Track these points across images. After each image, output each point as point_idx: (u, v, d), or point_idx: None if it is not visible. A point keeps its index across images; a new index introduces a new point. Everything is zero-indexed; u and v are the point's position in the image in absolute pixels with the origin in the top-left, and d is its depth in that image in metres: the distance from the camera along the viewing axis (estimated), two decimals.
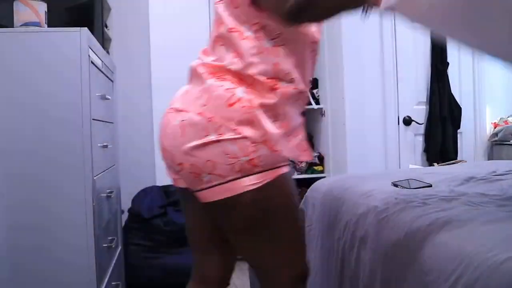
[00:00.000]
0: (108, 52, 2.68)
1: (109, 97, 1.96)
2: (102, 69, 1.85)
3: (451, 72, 3.18)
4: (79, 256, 1.53)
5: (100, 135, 1.76)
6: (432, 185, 1.41)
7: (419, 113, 3.16)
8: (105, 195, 1.80)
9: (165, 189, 2.68)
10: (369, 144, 3.08)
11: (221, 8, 1.08)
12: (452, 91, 3.16)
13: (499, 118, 3.34)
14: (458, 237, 0.91)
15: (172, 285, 2.40)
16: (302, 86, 1.06)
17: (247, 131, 0.97)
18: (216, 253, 1.23)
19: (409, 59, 3.13)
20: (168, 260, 2.39)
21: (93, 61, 1.62)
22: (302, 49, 1.07)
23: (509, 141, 3.15)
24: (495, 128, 3.30)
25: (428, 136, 3.13)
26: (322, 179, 1.78)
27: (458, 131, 3.19)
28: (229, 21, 1.04)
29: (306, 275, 1.11)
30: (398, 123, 3.12)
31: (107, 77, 2.01)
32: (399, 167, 3.09)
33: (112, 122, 2.15)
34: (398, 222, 1.09)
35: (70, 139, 1.52)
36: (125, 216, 2.52)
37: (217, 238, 1.19)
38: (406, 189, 1.37)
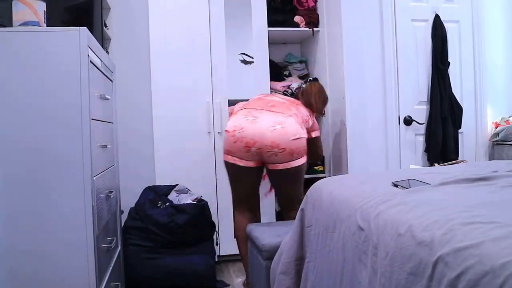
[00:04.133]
0: (107, 52, 2.68)
1: (109, 97, 1.96)
2: (102, 69, 1.84)
3: (452, 71, 3.18)
4: (78, 256, 1.53)
5: (99, 135, 1.76)
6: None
7: (420, 113, 3.15)
8: (104, 195, 1.80)
9: (165, 189, 2.68)
10: (369, 144, 3.08)
11: None
12: (453, 91, 3.15)
13: (500, 118, 3.33)
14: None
15: (172, 286, 2.39)
16: None
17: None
18: (254, 197, 2.53)
19: (409, 59, 3.13)
20: (168, 260, 2.38)
21: (92, 61, 1.62)
22: None
23: (510, 141, 3.15)
24: (496, 128, 3.29)
25: (429, 136, 3.12)
26: (322, 179, 1.77)
27: (459, 131, 3.18)
28: None
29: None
30: (399, 123, 3.12)
31: (107, 76, 2.01)
32: (400, 167, 3.09)
33: (111, 122, 2.14)
34: (399, 222, 1.09)
35: (69, 139, 1.51)
36: (124, 216, 2.52)
37: (255, 190, 2.49)
38: (406, 189, 1.36)
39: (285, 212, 2.52)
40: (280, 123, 2.25)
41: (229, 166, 2.34)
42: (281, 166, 2.26)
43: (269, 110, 2.34)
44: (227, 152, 2.30)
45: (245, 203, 2.45)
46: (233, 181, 2.41)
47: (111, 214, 2.02)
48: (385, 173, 2.02)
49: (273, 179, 2.41)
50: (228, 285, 2.56)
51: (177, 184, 2.73)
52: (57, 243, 1.52)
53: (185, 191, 2.71)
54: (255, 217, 2.51)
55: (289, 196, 2.39)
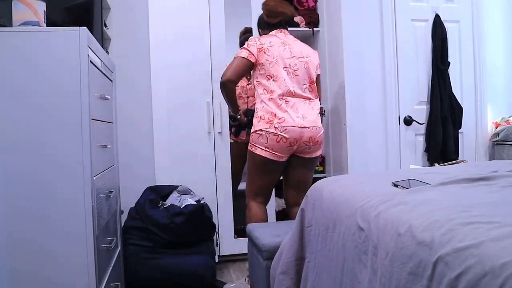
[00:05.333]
0: (107, 52, 2.68)
1: (109, 97, 1.96)
2: (102, 69, 1.84)
3: (452, 71, 3.18)
4: (78, 256, 1.53)
5: (99, 135, 1.76)
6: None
7: (420, 112, 3.15)
8: (104, 195, 1.80)
9: (166, 190, 2.68)
10: (369, 144, 3.08)
11: None
12: (453, 91, 3.15)
13: (500, 118, 3.33)
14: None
15: (172, 286, 2.39)
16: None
17: None
18: (272, 190, 2.59)
19: (410, 59, 3.13)
20: (168, 260, 2.38)
21: (92, 61, 1.62)
22: None
23: (510, 141, 3.14)
24: (496, 127, 3.29)
25: (429, 136, 3.12)
26: (322, 179, 1.77)
27: (459, 131, 3.18)
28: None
29: None
30: (399, 123, 3.12)
31: (107, 76, 2.01)
32: (400, 167, 3.09)
33: (111, 122, 2.14)
34: (399, 222, 1.09)
35: (69, 139, 1.52)
36: (124, 216, 2.51)
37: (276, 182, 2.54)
38: (406, 189, 1.36)
39: (293, 207, 2.49)
40: (314, 121, 2.41)
41: (262, 159, 2.34)
42: (308, 155, 2.42)
43: (300, 97, 2.42)
44: (267, 148, 2.31)
45: (263, 196, 2.48)
46: (260, 174, 2.40)
47: (111, 214, 2.02)
48: (385, 173, 2.01)
49: (297, 168, 2.46)
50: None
51: (179, 185, 2.72)
52: (56, 242, 1.52)
53: (187, 192, 2.70)
54: (266, 211, 2.54)
55: (306, 186, 2.42)
